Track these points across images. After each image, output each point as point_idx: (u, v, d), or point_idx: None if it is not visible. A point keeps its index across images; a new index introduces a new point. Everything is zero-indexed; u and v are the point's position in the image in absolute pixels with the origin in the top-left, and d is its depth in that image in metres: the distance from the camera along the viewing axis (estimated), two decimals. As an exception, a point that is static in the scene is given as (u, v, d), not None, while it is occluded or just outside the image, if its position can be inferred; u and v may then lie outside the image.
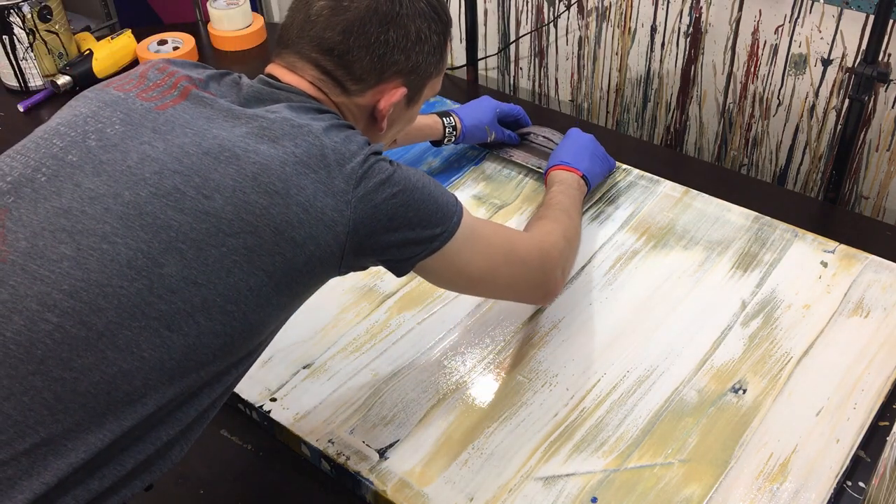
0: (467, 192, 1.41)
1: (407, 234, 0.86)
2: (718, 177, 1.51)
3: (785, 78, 1.47)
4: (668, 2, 1.54)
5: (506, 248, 0.98)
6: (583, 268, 1.24)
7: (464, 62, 1.82)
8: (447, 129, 1.38)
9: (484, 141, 1.44)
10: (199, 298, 0.75)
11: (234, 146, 0.79)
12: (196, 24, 2.02)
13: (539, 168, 1.42)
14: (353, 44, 0.88)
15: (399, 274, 0.91)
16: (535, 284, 1.04)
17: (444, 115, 1.39)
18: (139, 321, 0.73)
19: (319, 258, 0.80)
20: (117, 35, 1.83)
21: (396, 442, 1.01)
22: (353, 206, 0.81)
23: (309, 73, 0.90)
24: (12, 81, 1.75)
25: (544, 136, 1.46)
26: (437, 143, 1.41)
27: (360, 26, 0.88)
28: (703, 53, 1.55)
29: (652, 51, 1.61)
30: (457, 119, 1.39)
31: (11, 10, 1.65)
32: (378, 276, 1.23)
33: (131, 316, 0.72)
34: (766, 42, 1.46)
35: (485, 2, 1.78)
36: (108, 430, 0.72)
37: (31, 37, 1.70)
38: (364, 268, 0.89)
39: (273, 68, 0.93)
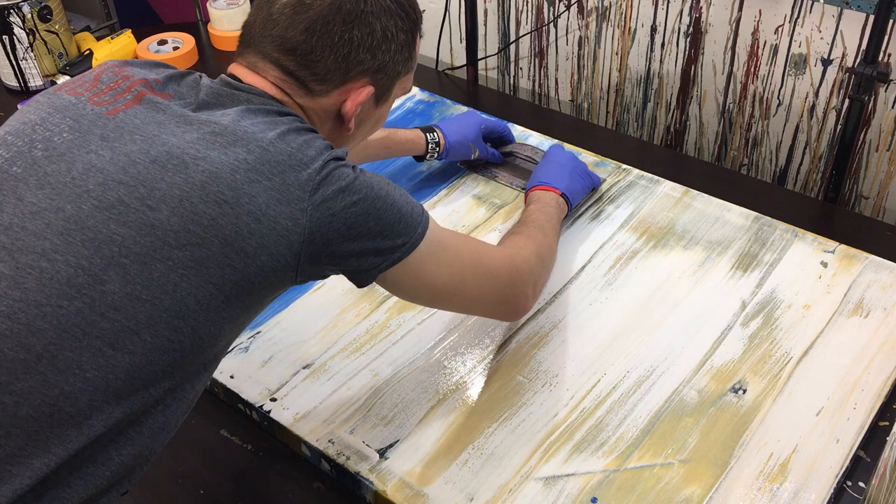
0: (467, 191, 1.41)
1: (366, 244, 0.83)
2: (718, 177, 1.51)
3: (785, 78, 1.47)
4: (668, 2, 1.54)
5: (475, 261, 0.95)
6: (583, 268, 1.24)
7: (464, 62, 1.82)
8: (430, 145, 1.35)
9: (467, 158, 1.41)
10: (144, 315, 0.72)
11: (183, 153, 0.76)
12: (196, 24, 2.02)
13: (523, 189, 1.38)
14: (316, 43, 0.85)
15: (360, 285, 0.88)
16: (503, 299, 1.01)
17: (427, 130, 1.36)
18: (80, 341, 0.70)
19: (272, 268, 0.78)
20: (117, 35, 1.83)
21: (396, 442, 1.01)
22: (308, 215, 0.78)
23: (271, 74, 0.88)
24: (12, 81, 1.75)
25: (527, 155, 1.43)
26: (419, 159, 1.38)
27: (323, 25, 0.85)
28: (703, 53, 1.55)
29: (652, 51, 1.61)
30: (440, 135, 1.36)
31: (11, 10, 1.65)
32: (378, 276, 1.23)
33: (72, 336, 0.70)
34: (766, 42, 1.46)
35: (485, 2, 1.78)
36: (52, 454, 0.70)
37: (31, 37, 1.70)
38: (324, 276, 0.86)
39: (235, 68, 0.90)
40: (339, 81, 0.88)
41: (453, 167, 1.46)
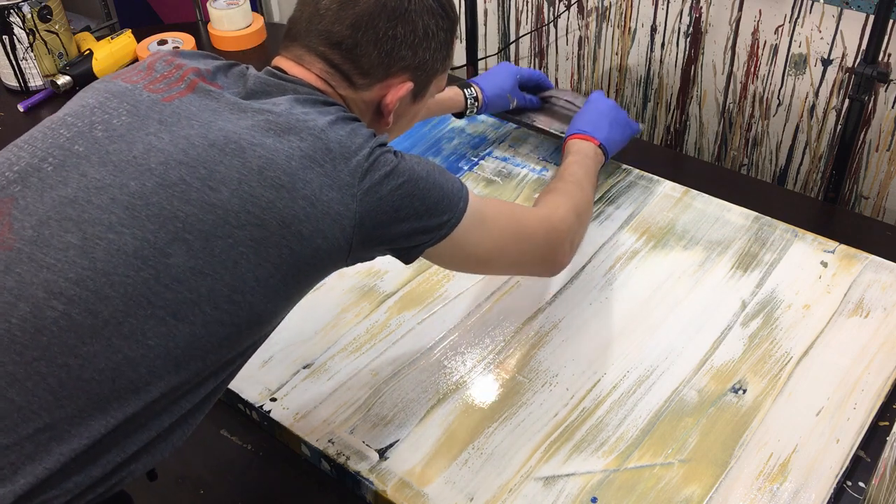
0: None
1: (414, 224, 0.86)
2: (718, 177, 1.51)
3: (785, 78, 1.47)
4: (668, 2, 1.54)
5: (513, 227, 0.99)
6: (583, 268, 1.24)
7: (464, 62, 1.82)
8: (469, 101, 1.38)
9: (506, 109, 1.43)
10: (205, 288, 0.75)
11: (239, 139, 0.79)
12: (196, 24, 2.02)
13: (562, 133, 1.40)
14: (362, 38, 0.89)
15: (407, 262, 0.91)
16: (541, 259, 1.05)
17: (464, 86, 1.39)
18: (145, 310, 0.73)
19: (326, 251, 0.81)
20: (117, 35, 1.83)
21: (396, 442, 1.01)
22: (358, 200, 0.81)
23: (317, 67, 0.91)
24: (12, 81, 1.75)
25: (566, 100, 1.44)
26: (459, 115, 1.41)
27: (368, 21, 0.88)
28: (703, 53, 1.55)
29: (652, 51, 1.61)
30: (478, 89, 1.39)
31: (11, 10, 1.65)
32: (378, 276, 1.23)
33: (137, 305, 0.73)
34: (766, 42, 1.46)
35: (485, 2, 1.78)
36: (111, 417, 0.72)
37: (31, 37, 1.70)
38: (372, 258, 0.89)
39: (280, 61, 0.93)
40: (381, 76, 0.91)
41: (451, 169, 1.46)
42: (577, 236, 1.10)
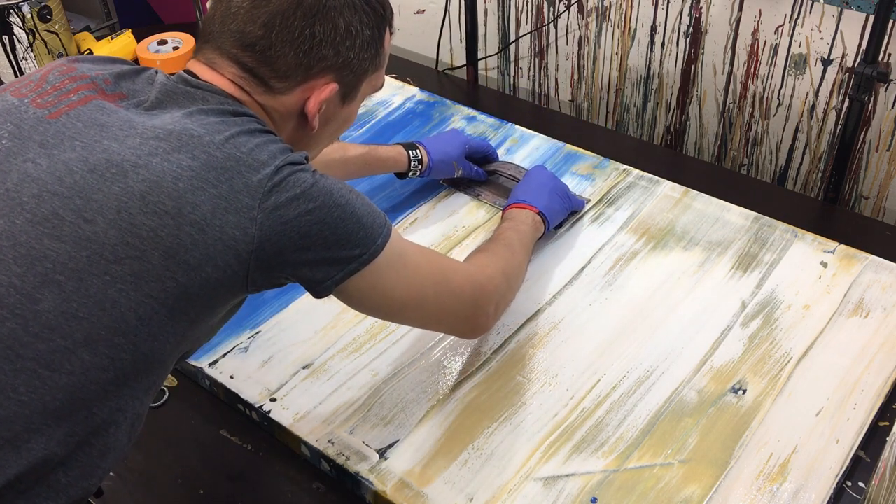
0: (468, 193, 1.41)
1: (321, 254, 0.80)
2: (718, 177, 1.51)
3: (785, 78, 1.47)
4: (668, 2, 1.54)
5: (437, 277, 0.92)
6: (583, 269, 1.24)
7: (464, 62, 1.82)
8: (412, 162, 1.32)
9: (451, 176, 1.38)
10: (81, 333, 0.69)
11: (123, 160, 0.73)
12: (196, 24, 2.02)
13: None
14: (276, 38, 0.82)
15: (316, 296, 0.84)
16: (463, 318, 0.98)
17: (410, 146, 1.32)
18: (13, 363, 0.68)
19: (219, 280, 0.75)
20: (117, 35, 1.83)
21: (396, 442, 1.01)
22: (258, 223, 0.75)
23: (229, 71, 0.84)
24: (12, 81, 1.75)
25: (510, 174, 1.40)
26: (401, 176, 1.34)
27: (283, 19, 0.81)
28: (703, 53, 1.55)
29: (652, 51, 1.61)
30: (424, 152, 1.33)
31: (11, 10, 1.65)
32: (378, 277, 1.23)
33: (5, 359, 0.68)
34: (766, 42, 1.46)
35: (485, 2, 1.78)
36: None
37: (31, 37, 1.70)
38: (280, 285, 0.83)
39: (193, 65, 0.86)
40: (300, 78, 0.84)
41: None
42: (503, 300, 1.04)
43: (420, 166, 1.33)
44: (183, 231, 0.72)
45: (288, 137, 0.88)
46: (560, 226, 1.30)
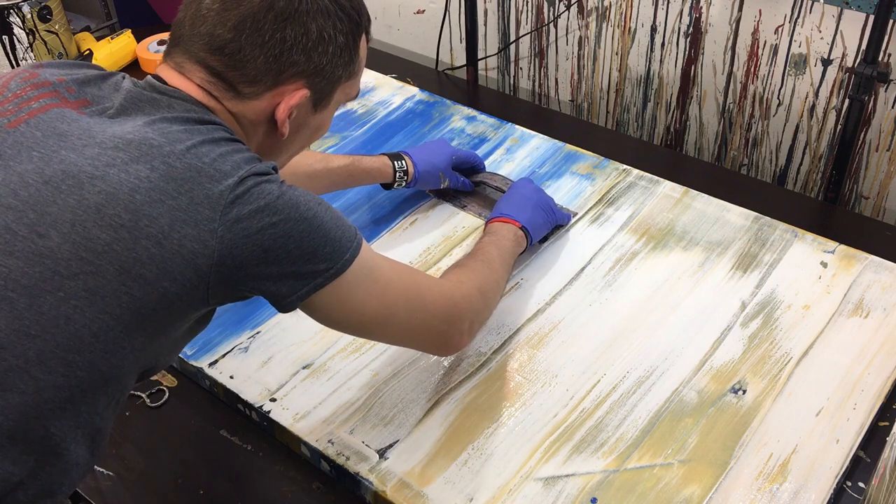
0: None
1: (286, 268, 0.77)
2: (718, 177, 1.51)
3: (785, 78, 1.47)
4: (668, 2, 1.54)
5: (409, 293, 0.90)
6: (582, 269, 1.24)
7: (464, 62, 1.82)
8: (397, 173, 1.29)
9: (437, 187, 1.35)
10: (33, 351, 0.68)
11: (79, 172, 0.71)
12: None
13: None
14: (246, 42, 0.80)
15: (282, 310, 0.82)
16: (436, 335, 0.95)
17: (395, 157, 1.30)
18: None
19: (177, 294, 0.73)
20: (117, 35, 1.83)
21: (396, 442, 1.01)
22: (219, 235, 0.73)
23: (197, 76, 0.82)
24: (12, 81, 1.75)
25: (496, 186, 1.37)
26: (387, 187, 1.32)
27: (253, 23, 0.79)
28: (703, 53, 1.55)
29: (652, 51, 1.61)
30: (410, 163, 1.30)
31: (11, 10, 1.65)
32: (378, 277, 1.23)
33: None
34: (766, 42, 1.46)
35: (485, 2, 1.78)
36: None
37: (31, 37, 1.70)
38: (243, 298, 0.81)
39: (162, 69, 0.84)
40: (270, 84, 0.82)
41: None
42: (478, 317, 1.02)
43: (405, 177, 1.30)
44: (139, 245, 0.70)
45: (258, 144, 0.87)
46: (545, 239, 1.28)
